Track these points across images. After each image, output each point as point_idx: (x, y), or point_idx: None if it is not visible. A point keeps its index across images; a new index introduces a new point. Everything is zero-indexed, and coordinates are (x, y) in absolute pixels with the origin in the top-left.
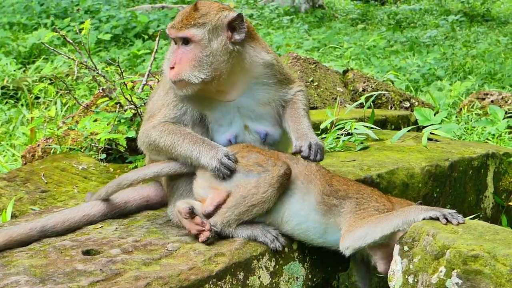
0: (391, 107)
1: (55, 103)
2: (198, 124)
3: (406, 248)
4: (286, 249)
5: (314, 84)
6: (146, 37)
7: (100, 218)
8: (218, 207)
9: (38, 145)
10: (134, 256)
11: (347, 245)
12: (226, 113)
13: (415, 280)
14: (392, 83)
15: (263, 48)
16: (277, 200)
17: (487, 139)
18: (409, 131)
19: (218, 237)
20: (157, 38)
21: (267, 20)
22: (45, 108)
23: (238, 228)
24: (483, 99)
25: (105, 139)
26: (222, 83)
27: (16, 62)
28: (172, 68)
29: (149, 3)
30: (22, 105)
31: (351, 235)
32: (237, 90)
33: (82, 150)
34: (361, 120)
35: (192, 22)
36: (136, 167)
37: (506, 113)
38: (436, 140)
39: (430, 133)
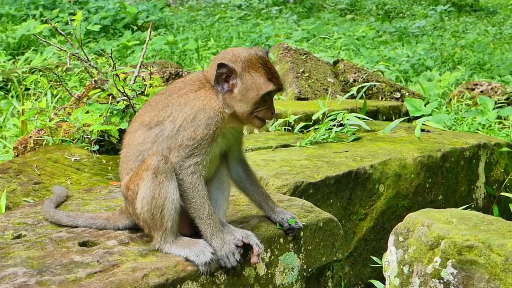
0: (382, 98)
1: (45, 94)
2: None
3: (401, 238)
4: (281, 240)
5: (305, 75)
6: (135, 28)
7: None
8: None
9: (30, 136)
10: (131, 248)
11: None
12: None
13: (410, 270)
14: (382, 73)
15: None
16: None
17: (477, 129)
18: (400, 122)
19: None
20: (149, 29)
21: (256, 10)
22: (36, 100)
23: (175, 243)
24: (473, 89)
25: (98, 131)
26: None
27: (5, 54)
28: None
29: None
30: (12, 96)
31: None
32: None
33: (75, 141)
34: (352, 111)
35: None
36: None
37: (495, 103)
38: (428, 131)
39: (422, 124)
